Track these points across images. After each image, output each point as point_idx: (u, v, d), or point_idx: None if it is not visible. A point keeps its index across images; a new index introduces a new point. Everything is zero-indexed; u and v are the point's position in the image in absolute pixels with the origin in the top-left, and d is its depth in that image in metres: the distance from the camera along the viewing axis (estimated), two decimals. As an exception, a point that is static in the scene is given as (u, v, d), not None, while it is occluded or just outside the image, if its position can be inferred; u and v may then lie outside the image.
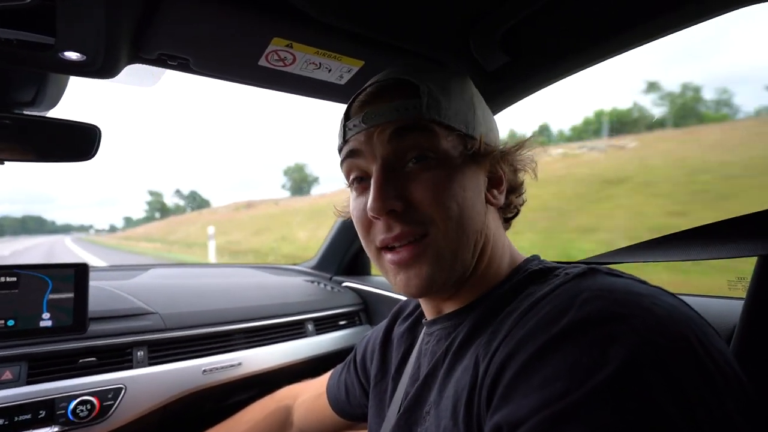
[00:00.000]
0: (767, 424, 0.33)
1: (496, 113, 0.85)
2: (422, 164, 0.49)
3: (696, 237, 0.54)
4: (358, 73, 0.74)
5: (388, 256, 0.50)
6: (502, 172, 0.54)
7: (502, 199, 0.54)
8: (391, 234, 0.48)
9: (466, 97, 0.53)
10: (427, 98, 0.49)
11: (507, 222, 0.59)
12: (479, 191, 0.51)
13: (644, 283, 0.40)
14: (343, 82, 0.77)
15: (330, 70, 0.73)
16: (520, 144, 0.54)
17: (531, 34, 0.67)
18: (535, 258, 0.55)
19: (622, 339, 0.32)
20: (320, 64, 0.71)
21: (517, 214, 0.59)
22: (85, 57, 0.60)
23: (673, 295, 0.39)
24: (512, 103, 0.81)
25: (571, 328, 0.34)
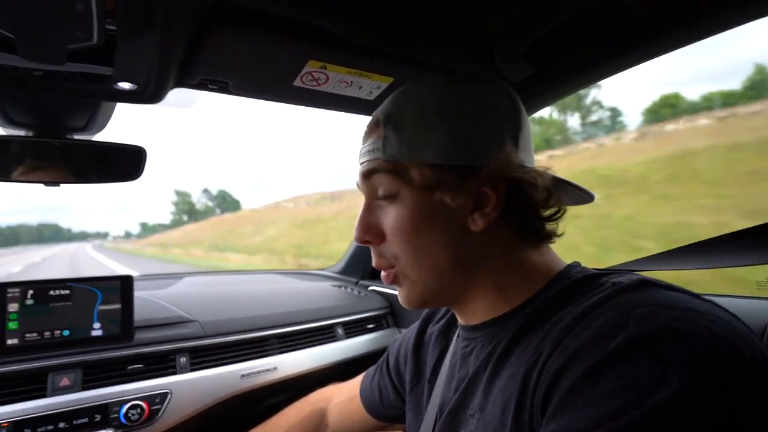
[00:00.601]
0: None
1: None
2: (388, 200, 0.52)
3: (729, 242, 0.55)
4: (387, 88, 0.77)
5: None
6: (490, 191, 0.48)
7: (487, 221, 0.49)
8: (374, 262, 0.57)
9: (430, 120, 0.51)
10: (385, 138, 0.51)
11: (532, 237, 0.52)
12: (449, 220, 0.50)
13: (698, 297, 0.41)
14: (372, 97, 0.80)
15: (361, 87, 0.76)
16: (502, 161, 0.48)
17: (554, 48, 0.68)
18: (576, 265, 0.53)
19: (682, 358, 0.32)
20: (352, 82, 0.74)
21: (541, 228, 0.51)
22: (136, 86, 0.64)
23: (726, 310, 0.39)
24: (536, 111, 0.82)
25: (629, 345, 0.35)
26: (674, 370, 0.32)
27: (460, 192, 0.49)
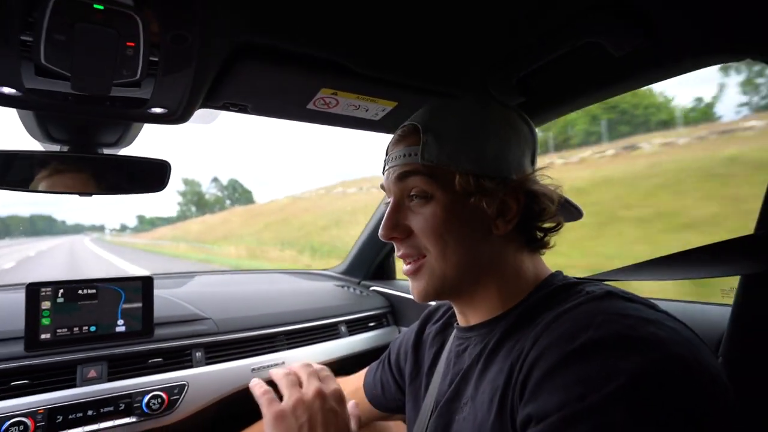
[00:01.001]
0: (747, 423, 0.41)
1: None
2: (420, 201, 0.57)
3: (690, 257, 0.63)
4: (391, 111, 0.83)
5: (404, 267, 0.62)
6: (511, 201, 0.55)
7: (507, 227, 0.56)
8: (399, 253, 0.61)
9: (473, 134, 0.57)
10: (424, 143, 0.56)
11: (534, 246, 0.60)
12: (477, 223, 0.56)
13: (654, 308, 0.46)
14: (377, 118, 0.86)
15: (367, 110, 0.82)
16: (526, 176, 0.56)
17: (542, 80, 0.75)
18: (558, 273, 0.60)
19: (631, 357, 0.37)
20: (359, 105, 0.80)
21: (542, 245, 0.60)
22: (167, 110, 0.70)
23: (676, 319, 0.45)
24: None
25: (590, 345, 0.40)
26: (623, 368, 0.37)
27: (491, 199, 0.54)
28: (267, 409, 0.58)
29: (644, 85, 0.69)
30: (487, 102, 0.62)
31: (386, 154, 0.62)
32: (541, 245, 0.60)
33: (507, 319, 0.56)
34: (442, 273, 0.57)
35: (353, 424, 0.62)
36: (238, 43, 0.60)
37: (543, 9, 0.58)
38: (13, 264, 17.87)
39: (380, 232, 0.59)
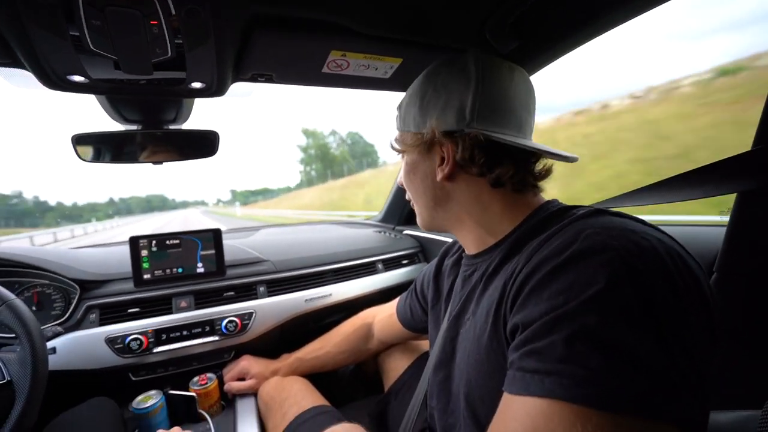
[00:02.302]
0: (725, 339, 0.36)
1: None
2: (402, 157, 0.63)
3: (686, 180, 0.55)
4: (398, 68, 0.79)
5: None
6: (443, 151, 0.54)
7: (444, 173, 0.54)
8: None
9: (411, 99, 0.59)
10: (398, 114, 0.63)
11: (498, 186, 0.53)
12: (424, 172, 0.59)
13: (641, 222, 0.42)
14: (387, 76, 0.82)
15: (377, 69, 0.79)
16: (451, 131, 0.52)
17: (536, 20, 0.67)
18: (553, 201, 0.56)
19: (610, 264, 0.35)
20: (368, 65, 0.77)
21: (499, 182, 0.53)
22: (204, 84, 0.71)
23: (663, 232, 0.41)
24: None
25: (574, 256, 0.38)
26: (602, 273, 0.34)
27: (434, 151, 0.56)
28: None
29: (642, 12, 0.57)
30: (436, 64, 0.58)
31: None
32: (515, 186, 0.53)
33: (503, 246, 0.54)
34: (419, 212, 0.64)
35: None
36: (248, 15, 0.59)
37: None
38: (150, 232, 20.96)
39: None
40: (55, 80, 0.62)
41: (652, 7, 0.56)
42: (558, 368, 0.33)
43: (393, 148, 0.64)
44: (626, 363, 0.31)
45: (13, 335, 0.83)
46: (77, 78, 0.63)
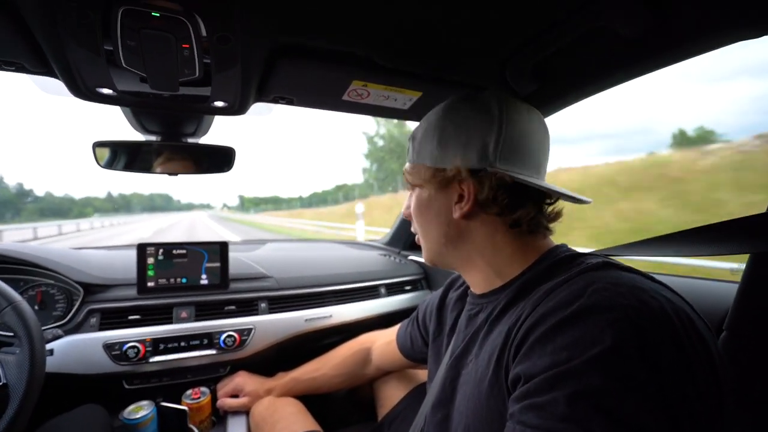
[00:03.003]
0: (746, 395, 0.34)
1: None
2: (412, 190, 0.62)
3: (700, 234, 0.54)
4: (417, 100, 0.80)
5: None
6: (463, 189, 0.52)
7: (462, 212, 0.53)
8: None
9: (429, 133, 0.56)
10: (409, 147, 0.61)
11: (515, 227, 0.53)
12: (438, 208, 0.56)
13: (650, 278, 0.42)
14: (406, 107, 0.83)
15: (396, 100, 0.80)
16: (479, 169, 0.51)
17: (556, 66, 0.68)
18: (562, 246, 0.55)
19: (617, 324, 0.34)
20: (388, 96, 0.78)
21: (518, 224, 0.52)
22: (227, 103, 0.73)
23: (672, 290, 0.40)
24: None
25: (580, 311, 0.37)
26: (608, 333, 0.34)
27: (451, 188, 0.54)
28: None
29: (654, 70, 0.58)
30: (455, 100, 0.57)
31: None
32: (535, 225, 0.53)
33: (510, 288, 0.53)
34: (428, 247, 0.62)
35: None
36: (275, 44, 0.61)
37: None
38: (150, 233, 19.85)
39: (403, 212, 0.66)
40: (84, 91, 0.64)
41: (669, 65, 0.56)
42: (559, 427, 0.33)
43: (407, 181, 0.62)
44: (629, 428, 0.30)
45: (13, 335, 0.83)
46: (105, 90, 0.65)
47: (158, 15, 0.48)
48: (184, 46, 0.53)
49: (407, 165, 0.62)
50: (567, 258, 0.50)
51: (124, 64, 0.55)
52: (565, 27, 0.57)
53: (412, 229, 0.65)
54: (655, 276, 0.43)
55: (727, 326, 0.55)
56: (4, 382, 0.65)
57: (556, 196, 0.53)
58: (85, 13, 0.46)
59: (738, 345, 0.53)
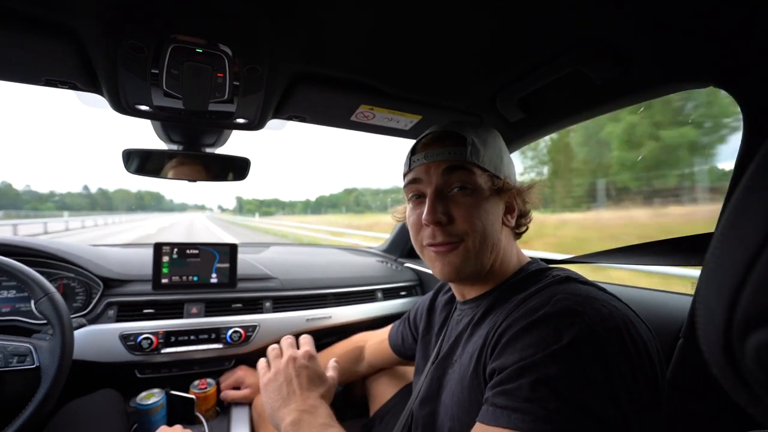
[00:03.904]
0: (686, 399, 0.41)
1: (514, 151, 0.95)
2: (462, 192, 0.58)
3: (658, 247, 0.62)
4: (418, 123, 0.89)
5: (431, 249, 0.60)
6: (515, 203, 0.62)
7: (513, 222, 0.63)
8: (435, 240, 0.59)
9: (496, 148, 0.61)
10: (471, 147, 0.58)
11: (518, 236, 0.66)
12: (498, 215, 0.60)
13: (603, 290, 0.50)
14: (407, 128, 0.92)
15: (398, 122, 0.89)
16: (530, 185, 0.64)
17: (539, 100, 0.77)
18: (534, 261, 0.64)
19: (574, 326, 0.41)
20: (392, 118, 0.87)
21: (525, 230, 0.66)
22: (247, 120, 0.81)
23: (620, 300, 0.48)
24: (526, 144, 0.91)
25: (544, 317, 0.44)
26: (566, 334, 0.41)
27: (502, 199, 0.61)
28: (261, 380, 0.69)
29: (621, 108, 0.68)
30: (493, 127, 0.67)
31: (417, 152, 0.62)
32: (521, 234, 0.66)
33: (491, 296, 0.61)
34: (475, 253, 0.58)
35: (329, 372, 0.72)
36: (295, 72, 0.69)
37: (539, 43, 0.61)
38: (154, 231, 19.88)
39: (426, 216, 0.58)
40: (125, 107, 0.72)
41: (631, 105, 0.66)
42: (523, 407, 0.40)
43: (463, 183, 0.58)
44: (578, 409, 0.38)
45: (45, 322, 0.90)
46: (143, 107, 0.73)
47: (201, 51, 0.56)
48: (218, 75, 0.61)
49: (457, 162, 0.58)
50: (538, 272, 0.59)
51: (164, 87, 0.64)
52: (546, 69, 0.66)
53: (442, 237, 0.58)
54: (607, 288, 0.51)
55: (683, 334, 0.62)
56: (38, 364, 0.72)
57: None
58: (141, 48, 0.55)
59: (693, 350, 0.60)
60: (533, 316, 0.46)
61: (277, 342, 1.13)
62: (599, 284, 0.52)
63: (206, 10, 0.51)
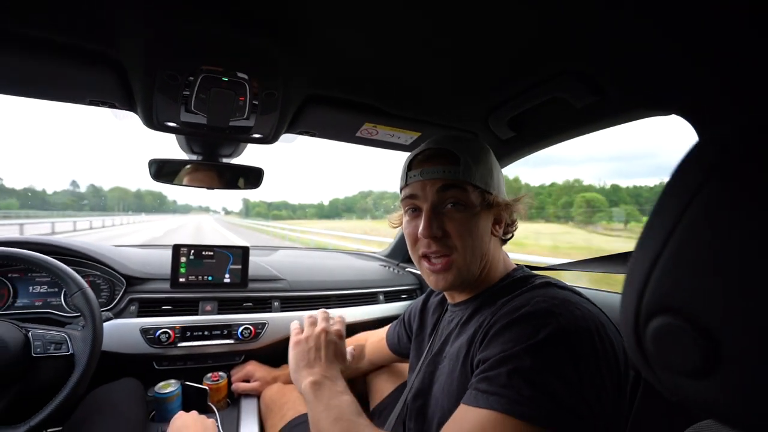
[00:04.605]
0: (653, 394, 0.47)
1: (505, 166, 1.02)
2: (456, 208, 0.62)
3: (614, 258, 0.69)
4: (417, 138, 0.97)
5: (426, 264, 0.65)
6: (503, 215, 0.66)
7: (501, 232, 0.67)
8: (430, 250, 0.63)
9: (487, 164, 0.65)
10: (463, 166, 0.61)
11: (504, 242, 0.71)
12: (487, 228, 0.64)
13: (578, 294, 0.55)
14: (408, 143, 1.00)
15: (399, 138, 0.97)
16: (516, 199, 0.68)
17: (527, 120, 0.85)
18: (520, 268, 0.70)
19: (549, 325, 0.47)
20: (393, 134, 0.95)
21: (511, 237, 0.71)
22: (262, 135, 0.89)
23: (593, 304, 0.54)
24: (517, 159, 0.98)
25: (524, 315, 0.50)
26: (543, 331, 0.47)
27: (491, 212, 0.65)
28: (292, 338, 0.75)
29: (599, 129, 0.76)
30: (482, 143, 0.69)
31: (413, 169, 0.66)
32: (506, 241, 0.71)
33: (479, 299, 0.67)
34: (467, 266, 0.63)
35: (348, 355, 0.77)
36: (306, 95, 0.77)
37: (525, 71, 0.68)
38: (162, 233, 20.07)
39: (423, 231, 0.62)
40: (155, 124, 0.81)
41: (606, 128, 0.73)
42: (500, 391, 0.46)
43: (457, 199, 0.62)
44: (548, 396, 0.44)
45: (78, 315, 0.98)
46: (171, 123, 0.82)
47: (227, 79, 0.65)
48: (240, 98, 0.70)
49: (450, 180, 0.62)
50: (523, 278, 0.64)
51: (192, 109, 0.72)
52: (532, 93, 0.74)
53: (438, 249, 0.63)
54: (582, 292, 0.58)
55: None
56: (72, 352, 0.81)
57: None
58: (176, 76, 0.63)
59: None
60: (514, 315, 0.51)
61: (284, 340, 1.21)
62: (577, 289, 0.58)
63: (230, 45, 0.59)
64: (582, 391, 0.44)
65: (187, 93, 0.69)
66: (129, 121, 0.92)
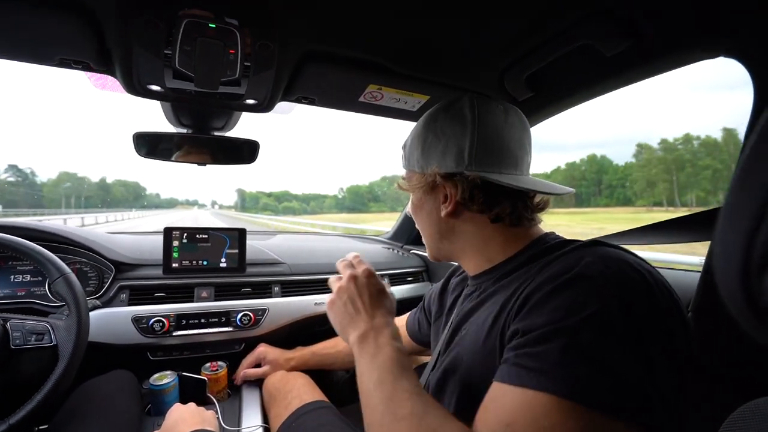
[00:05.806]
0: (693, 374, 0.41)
1: None
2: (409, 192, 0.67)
3: (674, 225, 0.63)
4: (425, 103, 0.89)
5: None
6: (446, 190, 0.58)
7: (448, 210, 0.59)
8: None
9: (415, 138, 0.62)
10: (402, 153, 0.67)
11: (497, 222, 0.58)
12: (434, 209, 0.62)
13: (633, 255, 0.47)
14: (415, 109, 0.92)
15: (406, 102, 0.89)
16: (451, 173, 0.57)
17: (547, 77, 0.77)
18: (551, 233, 0.61)
19: (604, 290, 0.40)
20: (399, 98, 0.87)
21: (500, 212, 0.57)
22: (257, 101, 0.81)
23: (649, 264, 0.46)
24: (537, 123, 0.90)
25: (574, 278, 0.42)
26: (597, 297, 0.40)
27: (432, 191, 0.61)
28: (333, 285, 0.68)
29: (631, 82, 0.68)
30: (435, 109, 0.62)
31: None
32: (512, 221, 0.58)
33: (502, 268, 0.59)
34: (427, 243, 0.68)
35: (387, 288, 0.68)
36: (305, 50, 0.69)
37: (546, 17, 0.61)
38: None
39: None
40: (137, 88, 0.73)
41: (642, 79, 0.66)
42: (552, 369, 0.39)
43: (400, 187, 0.68)
44: (608, 375, 0.37)
45: (62, 304, 0.91)
46: (155, 87, 0.74)
47: (214, 26, 0.57)
48: (230, 51, 0.62)
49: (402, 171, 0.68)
50: (561, 243, 0.56)
51: (177, 66, 0.64)
52: (554, 44, 0.66)
53: (417, 227, 0.69)
54: (636, 253, 0.50)
55: (692, 309, 0.63)
56: (55, 343, 0.74)
57: (530, 192, 0.58)
58: (155, 22, 0.55)
59: (701, 325, 0.61)
60: (561, 278, 0.44)
61: (286, 326, 1.16)
62: (630, 250, 0.50)
63: None
64: (650, 367, 0.38)
65: (170, 52, 0.61)
66: (110, 87, 0.84)
